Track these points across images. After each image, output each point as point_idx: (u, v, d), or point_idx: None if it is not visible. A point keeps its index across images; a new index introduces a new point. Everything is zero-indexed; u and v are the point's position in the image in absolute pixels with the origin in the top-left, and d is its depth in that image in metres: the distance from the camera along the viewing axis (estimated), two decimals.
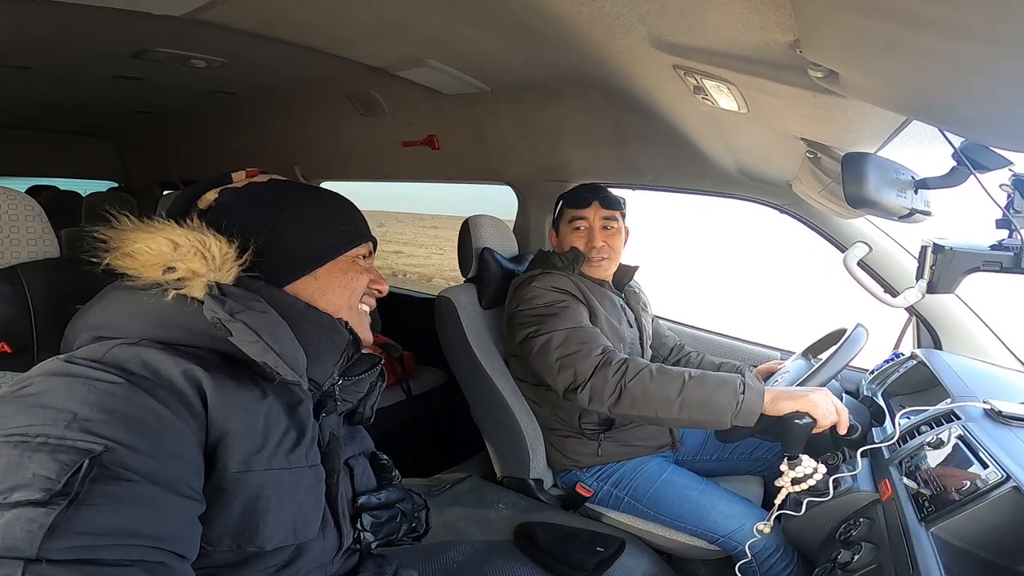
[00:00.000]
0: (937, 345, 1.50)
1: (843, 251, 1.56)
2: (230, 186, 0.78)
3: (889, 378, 1.43)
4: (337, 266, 0.81)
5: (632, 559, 1.23)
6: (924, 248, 0.82)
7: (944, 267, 0.77)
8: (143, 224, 0.67)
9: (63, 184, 3.59)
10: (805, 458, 1.09)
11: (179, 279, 0.64)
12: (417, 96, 1.68)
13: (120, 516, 0.49)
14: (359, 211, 0.87)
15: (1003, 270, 0.76)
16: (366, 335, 0.85)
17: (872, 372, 1.53)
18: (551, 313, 1.35)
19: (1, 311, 0.77)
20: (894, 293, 1.53)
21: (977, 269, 0.77)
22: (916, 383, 1.37)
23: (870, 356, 1.58)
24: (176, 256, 0.64)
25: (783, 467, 1.11)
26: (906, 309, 1.55)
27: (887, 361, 1.52)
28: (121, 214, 0.67)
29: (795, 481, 1.10)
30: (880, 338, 1.63)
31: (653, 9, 0.77)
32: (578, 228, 1.50)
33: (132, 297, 0.64)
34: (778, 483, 1.12)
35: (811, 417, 1.08)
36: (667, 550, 1.38)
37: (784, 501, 1.12)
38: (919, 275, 0.84)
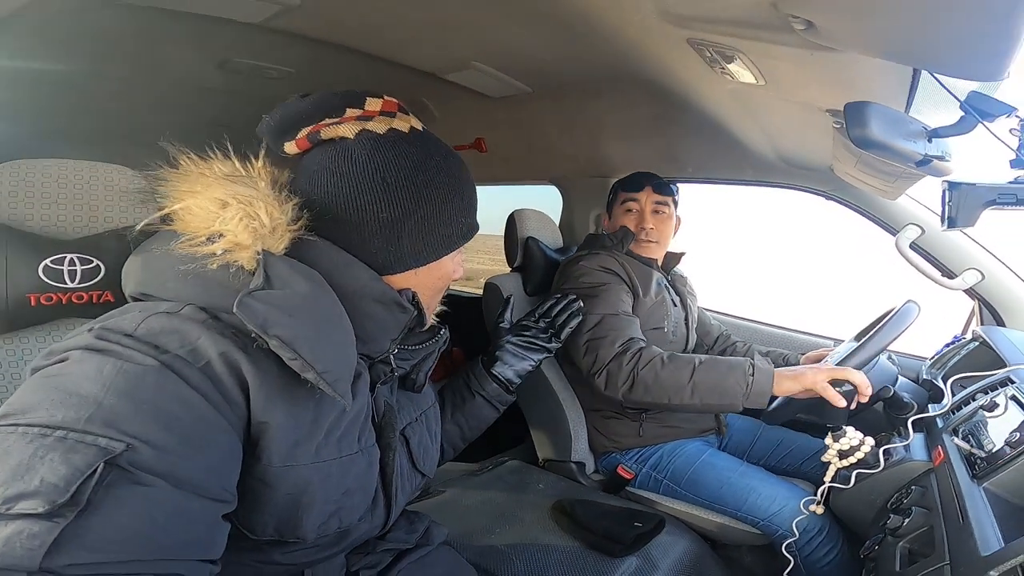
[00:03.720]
0: (1001, 326, 1.42)
1: (894, 234, 1.53)
2: (370, 130, 0.68)
3: (950, 362, 1.37)
4: (441, 264, 0.74)
5: (672, 537, 1.23)
6: (944, 190, 0.83)
7: (960, 201, 0.79)
8: (197, 173, 0.62)
9: None
10: (850, 429, 1.07)
11: (225, 250, 0.58)
12: (464, 100, 1.79)
13: (134, 528, 0.45)
14: (476, 192, 0.78)
15: (1019, 202, 0.78)
16: (430, 317, 0.79)
17: (932, 358, 1.46)
18: (592, 295, 1.41)
19: (108, 263, 0.90)
20: (952, 275, 1.47)
21: (994, 202, 0.79)
22: (979, 365, 1.28)
23: (931, 345, 1.52)
24: (223, 218, 0.59)
25: (828, 440, 1.09)
26: (966, 292, 1.48)
27: (947, 345, 1.45)
28: (181, 152, 0.63)
29: (842, 455, 1.07)
30: (942, 329, 1.56)
31: None
32: (630, 210, 1.57)
33: (180, 258, 0.58)
34: (824, 458, 1.09)
35: (851, 384, 1.08)
36: (709, 534, 1.35)
37: (834, 476, 1.09)
38: (942, 217, 0.85)
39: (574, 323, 1.19)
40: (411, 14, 1.31)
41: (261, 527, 0.60)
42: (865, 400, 1.09)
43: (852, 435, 1.06)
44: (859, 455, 1.06)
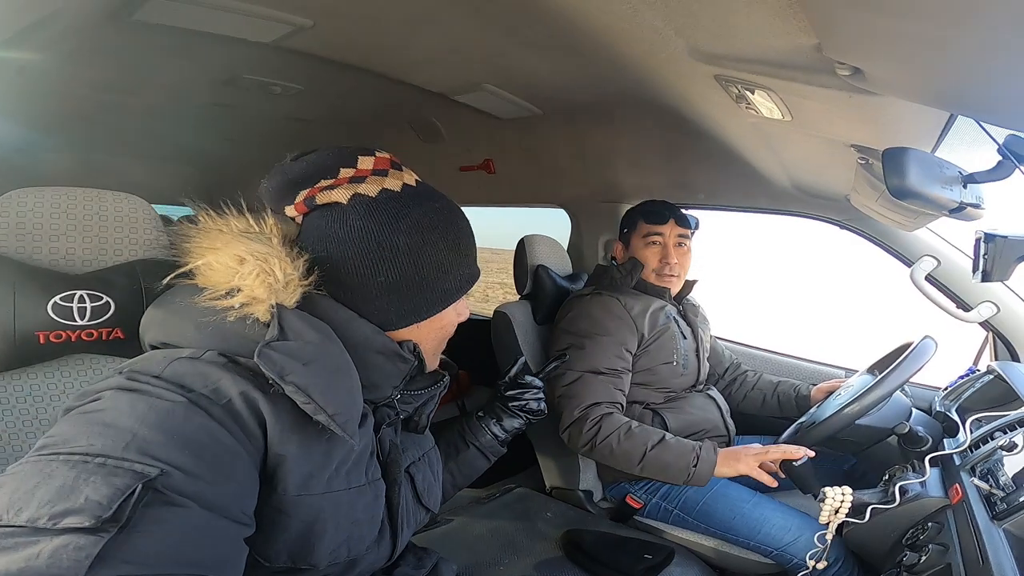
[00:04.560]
0: (1015, 360, 1.41)
1: (909, 266, 1.52)
2: (362, 193, 0.69)
3: (964, 394, 1.35)
4: (443, 315, 0.76)
5: (681, 568, 1.22)
6: (977, 240, 0.82)
7: (996, 255, 0.78)
8: (215, 230, 0.66)
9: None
10: (828, 490, 1.10)
11: (242, 304, 0.62)
12: (473, 121, 1.78)
13: (169, 543, 0.48)
14: (474, 236, 0.79)
15: None
16: (433, 363, 0.81)
17: (945, 389, 1.45)
18: (579, 345, 1.42)
19: (118, 300, 0.87)
20: (967, 308, 1.47)
21: None
22: (993, 398, 1.29)
23: (944, 375, 1.50)
24: (241, 273, 0.63)
25: (820, 504, 1.11)
26: (981, 324, 1.47)
27: (961, 377, 1.44)
28: (200, 208, 0.67)
29: (836, 511, 1.09)
30: (955, 359, 1.55)
31: (688, 21, 0.82)
32: (654, 243, 1.54)
33: (201, 311, 0.62)
34: (822, 520, 1.11)
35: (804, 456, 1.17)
36: (720, 564, 1.34)
37: (839, 527, 1.11)
38: (975, 267, 0.83)
39: (552, 365, 1.25)
40: (425, 36, 1.30)
41: (276, 554, 0.63)
42: (799, 457, 1.16)
43: (832, 494, 1.09)
44: (847, 506, 1.09)
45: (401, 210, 0.70)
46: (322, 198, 0.69)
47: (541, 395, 1.15)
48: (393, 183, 0.71)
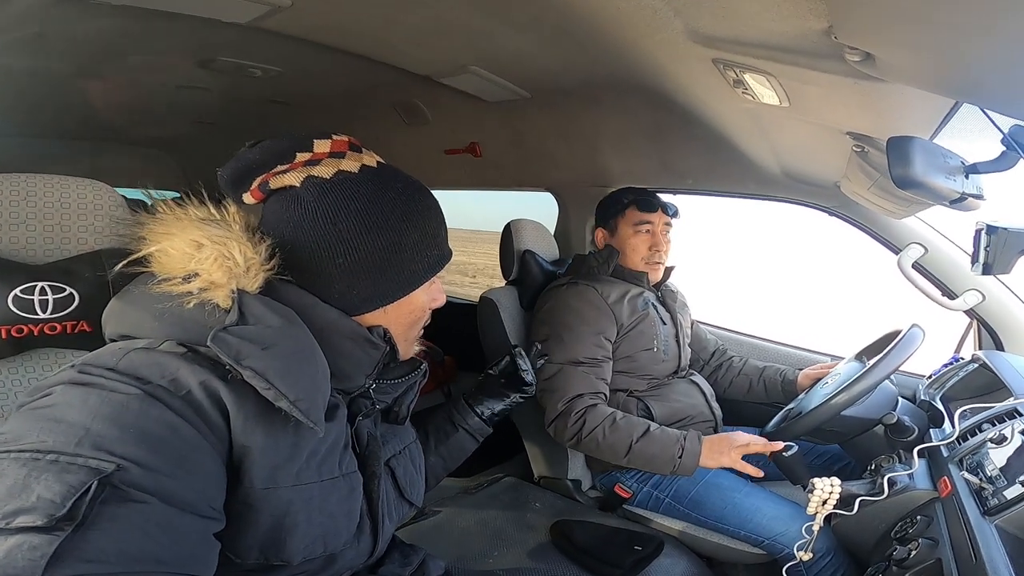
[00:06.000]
0: (999, 348, 1.42)
1: (897, 253, 1.52)
2: (316, 175, 0.68)
3: (948, 382, 1.36)
4: (411, 299, 0.74)
5: (671, 559, 1.22)
6: (978, 231, 0.81)
7: (999, 247, 0.77)
8: (171, 217, 0.64)
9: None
10: (817, 481, 1.09)
11: (200, 289, 0.60)
12: (459, 104, 1.74)
13: (130, 541, 0.47)
14: (444, 217, 0.77)
15: None
16: (407, 351, 0.79)
17: (930, 377, 1.46)
18: (558, 336, 1.42)
19: (83, 291, 0.82)
20: (952, 296, 1.47)
21: None
22: (977, 387, 1.30)
23: (928, 362, 1.52)
24: (198, 258, 0.61)
25: (808, 495, 1.10)
26: (966, 312, 1.48)
27: (946, 365, 1.45)
28: (157, 199, 0.66)
29: (824, 503, 1.08)
30: (940, 346, 1.56)
31: (689, 1, 0.78)
32: (646, 231, 1.55)
33: (157, 297, 0.60)
34: (810, 511, 1.10)
35: (795, 445, 1.18)
36: (709, 553, 1.34)
37: (827, 519, 1.10)
38: (974, 259, 0.82)
39: (540, 363, 1.27)
40: (408, 17, 1.25)
41: (247, 550, 0.61)
42: (778, 450, 1.18)
43: (821, 484, 1.08)
44: (835, 498, 1.08)
45: (356, 191, 0.68)
46: (275, 182, 0.68)
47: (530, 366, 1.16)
48: (351, 165, 0.70)
